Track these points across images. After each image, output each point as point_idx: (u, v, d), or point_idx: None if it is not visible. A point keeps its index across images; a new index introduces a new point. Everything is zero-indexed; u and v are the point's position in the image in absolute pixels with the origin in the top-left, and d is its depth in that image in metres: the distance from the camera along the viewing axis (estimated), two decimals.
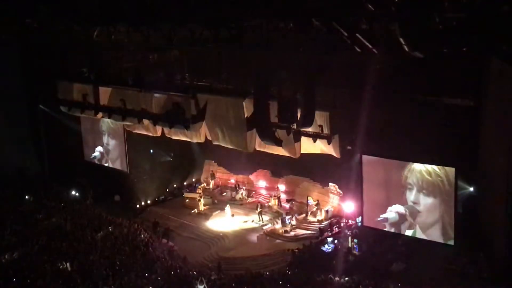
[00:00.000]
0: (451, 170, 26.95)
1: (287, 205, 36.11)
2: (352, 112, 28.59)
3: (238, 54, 28.14)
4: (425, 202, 27.97)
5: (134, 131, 34.70)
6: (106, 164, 40.58)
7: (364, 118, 28.55)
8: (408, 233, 28.94)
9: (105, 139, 40.00)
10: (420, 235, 28.56)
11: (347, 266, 27.83)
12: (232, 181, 40.16)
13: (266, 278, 26.95)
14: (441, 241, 27.85)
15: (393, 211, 28.99)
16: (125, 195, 39.22)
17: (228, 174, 40.74)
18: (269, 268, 28.99)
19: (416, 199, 28.17)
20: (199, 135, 30.53)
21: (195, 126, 28.85)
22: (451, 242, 27.45)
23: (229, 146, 29.73)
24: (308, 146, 29.42)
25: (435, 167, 27.34)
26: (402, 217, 28.79)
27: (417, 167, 27.87)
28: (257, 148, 30.25)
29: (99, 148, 40.62)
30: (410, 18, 18.33)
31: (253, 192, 38.60)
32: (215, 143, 30.39)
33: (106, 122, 38.82)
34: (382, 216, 29.33)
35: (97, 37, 29.62)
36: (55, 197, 37.54)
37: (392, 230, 29.39)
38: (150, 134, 32.54)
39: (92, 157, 40.93)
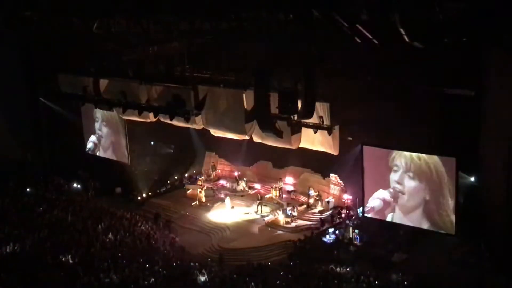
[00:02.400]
0: (439, 162, 27.06)
1: (288, 196, 36.18)
2: (353, 103, 28.61)
3: (238, 46, 28.13)
4: (409, 184, 28.24)
5: (128, 118, 34.59)
6: (100, 154, 40.63)
7: (364, 108, 28.59)
8: (388, 217, 29.28)
9: (97, 125, 39.97)
10: (399, 219, 28.84)
11: (349, 256, 27.91)
12: (236, 174, 40.22)
13: (268, 269, 27.00)
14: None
15: (378, 198, 29.16)
16: (126, 187, 39.29)
17: (229, 165, 40.75)
18: (270, 259, 29.09)
19: (400, 180, 28.38)
20: (195, 121, 30.47)
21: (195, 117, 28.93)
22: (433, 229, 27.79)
23: (226, 133, 29.73)
24: (307, 141, 29.49)
25: (424, 154, 27.50)
26: (386, 203, 28.97)
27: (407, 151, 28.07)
28: (255, 140, 30.32)
29: (92, 138, 40.65)
30: (410, 8, 18.30)
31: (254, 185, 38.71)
32: (212, 130, 30.36)
33: (99, 110, 38.76)
34: (368, 206, 29.54)
35: (97, 30, 29.59)
36: (56, 190, 37.62)
37: (377, 216, 29.59)
38: (143, 120, 32.40)
39: (87, 149, 40.96)
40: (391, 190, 28.88)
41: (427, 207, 27.82)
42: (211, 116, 29.08)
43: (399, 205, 28.67)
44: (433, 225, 27.84)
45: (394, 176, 28.59)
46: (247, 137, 30.45)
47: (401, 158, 28.28)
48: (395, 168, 28.50)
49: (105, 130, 39.70)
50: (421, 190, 27.88)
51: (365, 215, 30.24)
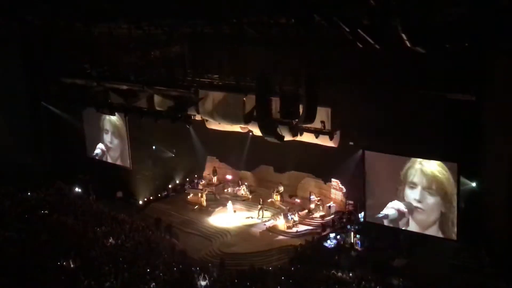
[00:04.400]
0: (448, 172, 26.95)
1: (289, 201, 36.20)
2: (354, 107, 28.58)
3: (240, 50, 28.12)
4: (429, 201, 27.92)
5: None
6: (108, 161, 40.64)
7: (366, 113, 28.55)
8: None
9: (107, 137, 39.96)
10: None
11: (350, 261, 27.87)
12: (228, 177, 40.25)
13: (269, 274, 26.96)
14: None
15: (393, 208, 28.97)
16: (127, 191, 39.28)
17: (231, 170, 40.75)
18: (271, 264, 29.03)
19: (421, 198, 28.06)
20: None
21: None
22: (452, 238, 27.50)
23: (223, 121, 29.64)
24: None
25: (439, 167, 27.29)
26: (401, 214, 28.77)
27: (426, 167, 27.75)
28: (251, 128, 30.11)
29: (100, 146, 40.64)
30: (411, 13, 18.29)
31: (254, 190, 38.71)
32: (207, 119, 30.17)
33: (111, 121, 38.88)
34: (382, 212, 29.33)
35: (98, 34, 29.61)
36: (57, 194, 37.60)
37: (391, 225, 29.45)
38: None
39: (94, 154, 40.96)
40: (407, 204, 28.68)
41: (442, 219, 27.66)
42: (208, 104, 29.00)
43: (417, 221, 28.44)
44: (443, 233, 27.70)
45: (412, 194, 28.29)
46: (243, 127, 30.07)
47: (419, 174, 27.98)
48: (411, 185, 28.23)
49: (116, 141, 39.66)
50: (439, 204, 27.72)
51: (380, 219, 29.93)
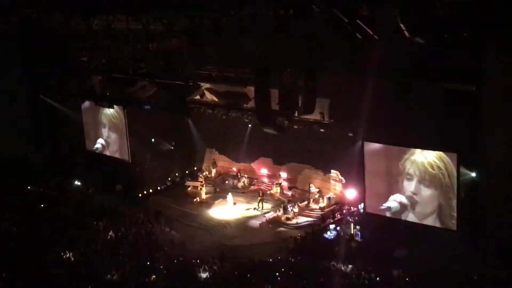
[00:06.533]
0: (449, 163, 26.83)
1: (289, 193, 36.14)
2: (354, 98, 28.52)
3: (238, 42, 28.08)
4: (425, 193, 27.83)
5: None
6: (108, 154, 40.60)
7: (365, 104, 28.50)
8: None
9: (105, 132, 39.88)
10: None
11: (350, 253, 27.87)
12: (234, 169, 40.18)
13: (269, 266, 26.97)
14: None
15: (395, 200, 28.91)
16: (127, 184, 39.22)
17: (230, 162, 40.71)
18: (271, 256, 28.99)
19: (417, 190, 28.00)
20: None
21: None
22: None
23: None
24: None
25: (436, 159, 27.19)
26: (403, 207, 28.71)
27: (419, 159, 27.62)
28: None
29: (100, 140, 40.57)
30: (411, 3, 18.26)
31: (255, 180, 38.61)
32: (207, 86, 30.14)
33: (107, 115, 38.80)
34: (385, 205, 29.26)
35: (96, 27, 29.54)
36: (57, 187, 37.59)
37: (391, 217, 29.43)
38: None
39: (94, 148, 40.89)
40: (408, 197, 28.60)
41: (441, 211, 27.62)
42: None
43: (415, 212, 28.42)
44: (442, 224, 27.69)
45: (408, 186, 28.18)
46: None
47: (414, 167, 27.84)
48: (408, 177, 28.14)
49: (113, 136, 39.57)
50: (436, 196, 27.65)
51: (383, 211, 29.90)
